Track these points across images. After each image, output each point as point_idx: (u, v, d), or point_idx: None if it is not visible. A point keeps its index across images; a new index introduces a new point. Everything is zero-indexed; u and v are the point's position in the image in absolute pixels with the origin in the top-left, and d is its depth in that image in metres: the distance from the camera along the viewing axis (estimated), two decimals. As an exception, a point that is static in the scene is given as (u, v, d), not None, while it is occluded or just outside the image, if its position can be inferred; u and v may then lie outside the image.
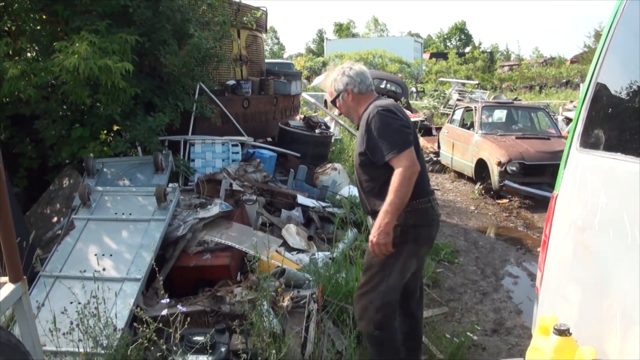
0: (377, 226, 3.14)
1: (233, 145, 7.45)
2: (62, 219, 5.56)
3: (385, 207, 3.11)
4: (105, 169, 6.14)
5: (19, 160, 6.30)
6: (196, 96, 7.35)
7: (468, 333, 4.50)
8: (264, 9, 9.67)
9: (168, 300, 4.09)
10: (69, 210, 5.50)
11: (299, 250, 5.57)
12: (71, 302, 3.69)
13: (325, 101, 18.04)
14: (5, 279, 2.30)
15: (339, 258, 5.07)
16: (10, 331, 1.97)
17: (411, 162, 3.10)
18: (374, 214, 3.30)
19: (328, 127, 9.94)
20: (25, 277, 2.34)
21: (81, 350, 3.40)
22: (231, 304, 4.44)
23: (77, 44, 5.49)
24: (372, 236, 3.17)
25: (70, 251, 4.79)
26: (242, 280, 4.58)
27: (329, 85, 3.53)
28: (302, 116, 10.65)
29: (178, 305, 3.51)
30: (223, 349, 3.52)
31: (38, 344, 2.42)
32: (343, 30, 59.67)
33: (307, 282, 4.74)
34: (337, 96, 3.51)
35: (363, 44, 37.83)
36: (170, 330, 3.40)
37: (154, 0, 6.51)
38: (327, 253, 5.26)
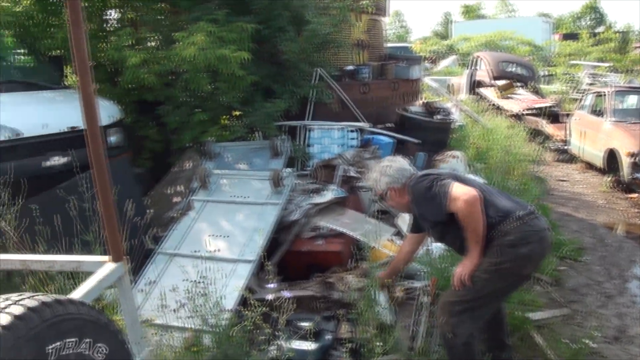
0: (466, 259, 3.24)
1: (350, 131, 7.38)
2: (182, 199, 5.77)
3: (469, 246, 3.20)
4: (224, 153, 6.30)
5: (143, 142, 6.61)
6: (314, 82, 7.34)
7: (586, 340, 4.15)
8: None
9: (276, 284, 4.12)
10: (188, 192, 5.70)
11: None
12: (183, 280, 3.79)
13: (449, 85, 17.59)
14: (107, 258, 2.36)
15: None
16: (102, 311, 2.00)
17: (464, 195, 3.11)
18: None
19: (449, 113, 9.60)
20: (127, 256, 2.39)
21: (189, 325, 3.48)
22: (341, 291, 4.39)
23: (195, 35, 5.64)
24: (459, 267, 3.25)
25: (186, 231, 4.96)
26: (353, 267, 4.50)
27: (373, 185, 3.62)
28: (424, 101, 10.38)
29: (282, 291, 3.49)
30: (329, 337, 3.46)
31: (137, 322, 2.49)
32: (471, 11, 57.72)
33: (419, 273, 4.58)
34: (383, 195, 3.61)
35: (490, 26, 36.17)
36: (276, 314, 3.41)
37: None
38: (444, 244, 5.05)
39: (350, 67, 8.36)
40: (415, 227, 3.75)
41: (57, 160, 4.81)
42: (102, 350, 1.92)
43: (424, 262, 4.66)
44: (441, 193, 3.16)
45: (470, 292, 3.23)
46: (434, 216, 3.30)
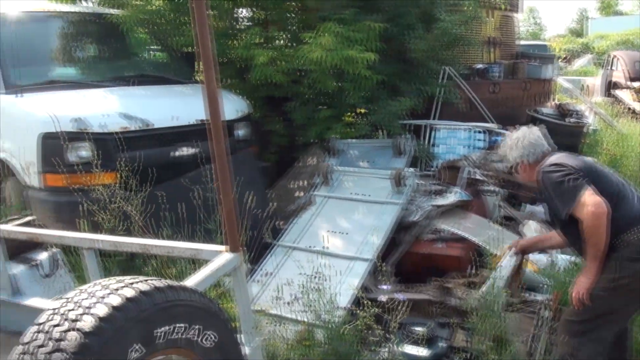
0: (583, 275, 3.10)
1: (478, 132, 7.12)
2: (304, 194, 5.85)
3: (587, 261, 3.08)
4: (347, 150, 6.31)
5: (270, 137, 6.76)
6: (441, 80, 7.16)
7: None
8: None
9: (389, 286, 4.04)
10: (310, 187, 5.76)
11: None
12: (299, 274, 3.83)
13: (583, 86, 16.55)
14: (224, 247, 2.41)
15: (582, 264, 4.49)
16: (212, 299, 2.04)
17: (592, 206, 2.91)
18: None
19: (582, 116, 8.99)
20: (244, 247, 2.43)
21: (302, 319, 3.51)
22: (459, 297, 4.24)
23: (322, 36, 5.68)
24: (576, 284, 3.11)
25: (306, 226, 5.04)
26: (473, 274, 4.32)
27: (506, 156, 3.52)
28: (556, 102, 9.82)
29: (396, 293, 3.41)
30: (442, 344, 3.34)
31: (249, 312, 2.52)
32: (608, 7, 53.81)
33: (542, 285, 4.32)
34: (514, 167, 3.51)
35: (629, 23, 33.51)
36: (390, 316, 3.34)
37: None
38: (569, 256, 4.71)
39: (480, 66, 8.08)
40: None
41: (184, 151, 5.02)
42: (211, 337, 1.96)
43: (547, 274, 4.38)
44: (570, 195, 3.00)
45: (589, 311, 3.04)
46: (557, 212, 3.13)
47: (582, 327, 3.08)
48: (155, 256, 3.89)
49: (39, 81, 5.09)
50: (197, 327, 1.89)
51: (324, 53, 5.55)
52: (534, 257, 4.82)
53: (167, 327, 1.77)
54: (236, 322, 2.56)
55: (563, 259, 4.61)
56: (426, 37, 6.70)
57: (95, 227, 3.97)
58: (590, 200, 2.93)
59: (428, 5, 6.77)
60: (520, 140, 3.40)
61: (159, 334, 1.74)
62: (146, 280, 1.78)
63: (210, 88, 2.30)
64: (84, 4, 7.30)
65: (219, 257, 2.41)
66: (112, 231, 3.94)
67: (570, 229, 3.15)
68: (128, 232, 3.90)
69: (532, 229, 5.32)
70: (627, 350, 3.43)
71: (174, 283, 1.86)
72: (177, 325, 1.81)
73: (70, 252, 3.66)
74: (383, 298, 3.35)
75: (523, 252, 3.96)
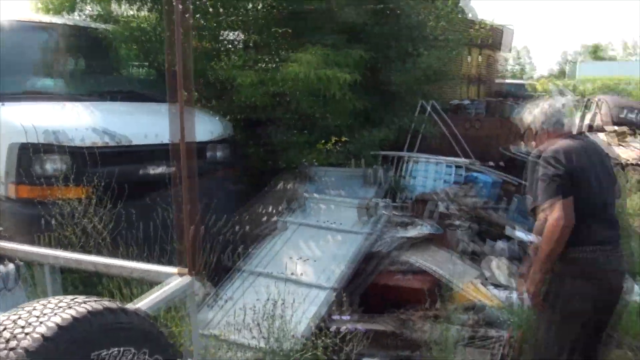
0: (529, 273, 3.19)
1: (455, 167, 7.22)
2: (271, 219, 5.87)
3: (534, 258, 3.14)
4: (319, 177, 6.35)
5: (249, 161, 6.80)
6: (422, 114, 7.27)
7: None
8: (511, 28, 9.27)
9: (350, 316, 4.08)
10: (277, 212, 5.79)
11: (496, 285, 5.16)
12: (258, 300, 3.84)
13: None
14: (176, 270, 2.44)
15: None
16: (153, 322, 2.04)
17: (557, 218, 2.98)
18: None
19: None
20: (201, 271, 2.45)
21: (256, 345, 3.53)
22: (416, 330, 4.28)
23: (308, 53, 5.76)
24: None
25: (269, 251, 5.05)
26: (431, 307, 4.37)
27: (530, 121, 3.48)
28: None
29: (350, 324, 3.45)
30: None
31: (197, 338, 2.53)
32: (595, 52, 54.65)
33: (501, 320, 4.37)
34: (536, 133, 3.46)
35: (617, 68, 34.07)
36: (347, 348, 3.37)
37: (385, 20, 6.58)
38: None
39: (458, 101, 8.22)
40: None
41: (156, 170, 5.03)
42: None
43: (508, 312, 4.43)
44: (543, 193, 3.08)
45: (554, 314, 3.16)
46: (530, 195, 3.26)
47: (552, 331, 3.16)
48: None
49: (18, 91, 5.09)
50: (145, 351, 1.89)
51: (305, 69, 5.62)
52: (493, 291, 4.89)
53: (104, 351, 1.78)
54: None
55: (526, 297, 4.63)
56: (409, 70, 6.81)
57: (63, 242, 3.97)
58: (556, 213, 2.98)
59: (409, 40, 6.87)
60: (546, 108, 3.40)
61: (94, 358, 1.75)
62: (85, 302, 1.79)
63: (179, 108, 2.35)
64: (74, 16, 7.33)
65: (171, 280, 2.44)
66: (79, 247, 3.94)
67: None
68: (96, 248, 3.91)
69: (493, 265, 5.39)
70: None
71: (113, 305, 1.87)
72: (115, 349, 1.81)
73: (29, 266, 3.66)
74: (334, 328, 3.37)
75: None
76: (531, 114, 3.43)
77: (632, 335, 4.70)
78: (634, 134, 15.05)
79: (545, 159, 3.15)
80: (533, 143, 3.47)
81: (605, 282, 3.10)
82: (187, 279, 2.44)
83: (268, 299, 3.65)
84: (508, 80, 23.08)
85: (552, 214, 2.98)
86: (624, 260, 3.22)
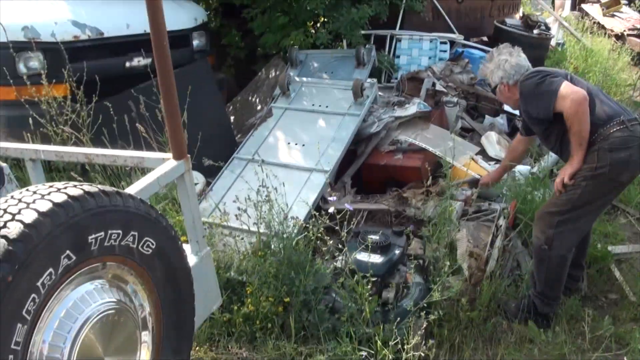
0: (567, 164, 3.23)
1: (442, 43, 6.96)
2: (263, 107, 5.71)
3: (572, 150, 3.18)
4: (307, 61, 6.11)
5: (227, 50, 6.52)
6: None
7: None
8: None
9: (349, 196, 4.02)
10: (270, 99, 5.62)
11: (498, 161, 5.10)
12: (252, 187, 3.74)
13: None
14: (170, 155, 2.32)
15: (540, 174, 4.52)
16: (153, 206, 1.95)
17: (573, 94, 3.08)
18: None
19: (549, 29, 8.84)
20: (188, 155, 2.33)
21: (253, 229, 3.48)
22: (416, 207, 4.25)
23: None
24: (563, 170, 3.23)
25: (264, 138, 4.92)
26: (431, 185, 4.32)
27: (488, 75, 3.61)
28: (522, 14, 9.64)
29: (346, 204, 3.39)
30: (397, 252, 3.35)
31: (198, 220, 2.45)
32: None
33: (499, 195, 4.35)
34: (495, 88, 3.62)
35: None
36: (345, 225, 3.32)
37: None
38: (527, 167, 4.72)
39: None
40: (525, 129, 3.72)
41: (137, 62, 4.80)
42: (149, 244, 1.89)
43: (504, 185, 4.41)
44: (550, 90, 3.15)
45: (570, 202, 3.19)
46: (540, 113, 3.27)
47: (561, 218, 3.22)
48: (107, 170, 3.79)
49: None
50: (133, 233, 1.82)
51: None
52: (495, 166, 4.83)
53: (100, 234, 1.69)
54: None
55: (524, 172, 4.61)
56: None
57: (46, 141, 3.82)
58: (569, 90, 3.08)
59: None
60: (505, 62, 3.47)
61: (91, 241, 1.66)
62: (76, 185, 1.68)
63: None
64: None
65: (164, 164, 2.33)
66: (63, 144, 3.80)
67: (553, 128, 3.30)
68: (78, 145, 3.76)
69: (493, 140, 5.32)
70: (585, 254, 3.69)
71: (108, 188, 1.76)
72: (112, 231, 1.73)
73: (20, 168, 3.53)
74: (332, 209, 3.31)
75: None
76: (495, 72, 3.49)
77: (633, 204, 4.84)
78: (629, 4, 14.66)
79: (527, 77, 3.32)
80: (503, 96, 3.60)
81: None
82: (176, 162, 2.33)
83: (261, 186, 3.55)
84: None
85: (568, 96, 3.06)
86: None
